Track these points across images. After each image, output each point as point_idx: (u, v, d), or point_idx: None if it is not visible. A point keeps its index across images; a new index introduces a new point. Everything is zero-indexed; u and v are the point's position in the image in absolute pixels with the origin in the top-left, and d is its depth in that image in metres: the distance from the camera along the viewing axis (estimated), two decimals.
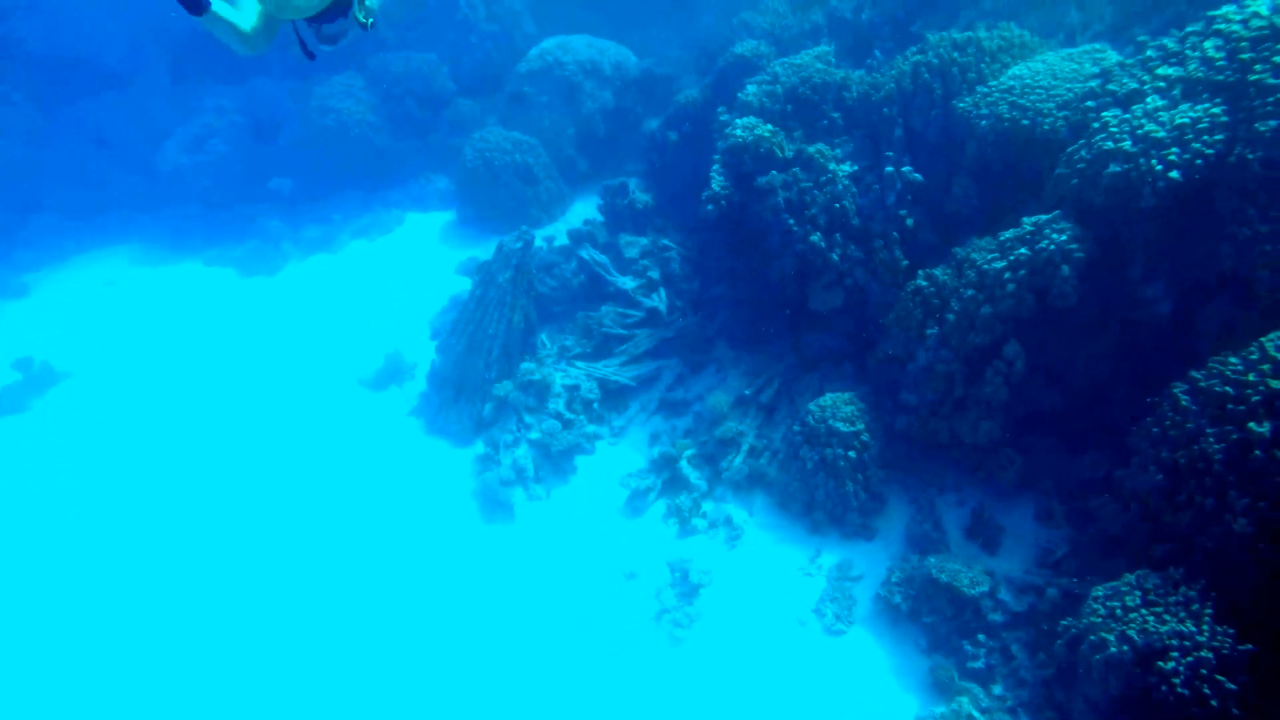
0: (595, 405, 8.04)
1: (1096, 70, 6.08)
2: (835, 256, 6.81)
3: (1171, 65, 5.40)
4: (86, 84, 14.31)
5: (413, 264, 11.92)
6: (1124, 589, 4.39)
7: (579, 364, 8.33)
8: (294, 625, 6.79)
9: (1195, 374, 4.70)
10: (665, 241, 8.88)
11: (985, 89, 6.58)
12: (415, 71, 13.14)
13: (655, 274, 8.75)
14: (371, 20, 3.97)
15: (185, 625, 6.91)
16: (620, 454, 7.91)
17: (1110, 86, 5.71)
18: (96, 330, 11.73)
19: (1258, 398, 4.13)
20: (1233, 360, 4.45)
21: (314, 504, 7.94)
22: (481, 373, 8.08)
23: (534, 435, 7.72)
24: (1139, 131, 5.15)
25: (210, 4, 3.52)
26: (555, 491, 7.66)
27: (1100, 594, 4.50)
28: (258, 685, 6.37)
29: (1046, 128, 6.08)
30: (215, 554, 7.56)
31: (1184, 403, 4.61)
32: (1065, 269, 5.37)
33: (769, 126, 7.20)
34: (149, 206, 13.82)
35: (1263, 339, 4.37)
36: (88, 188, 14.07)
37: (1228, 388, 4.33)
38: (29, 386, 10.33)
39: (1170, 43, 5.58)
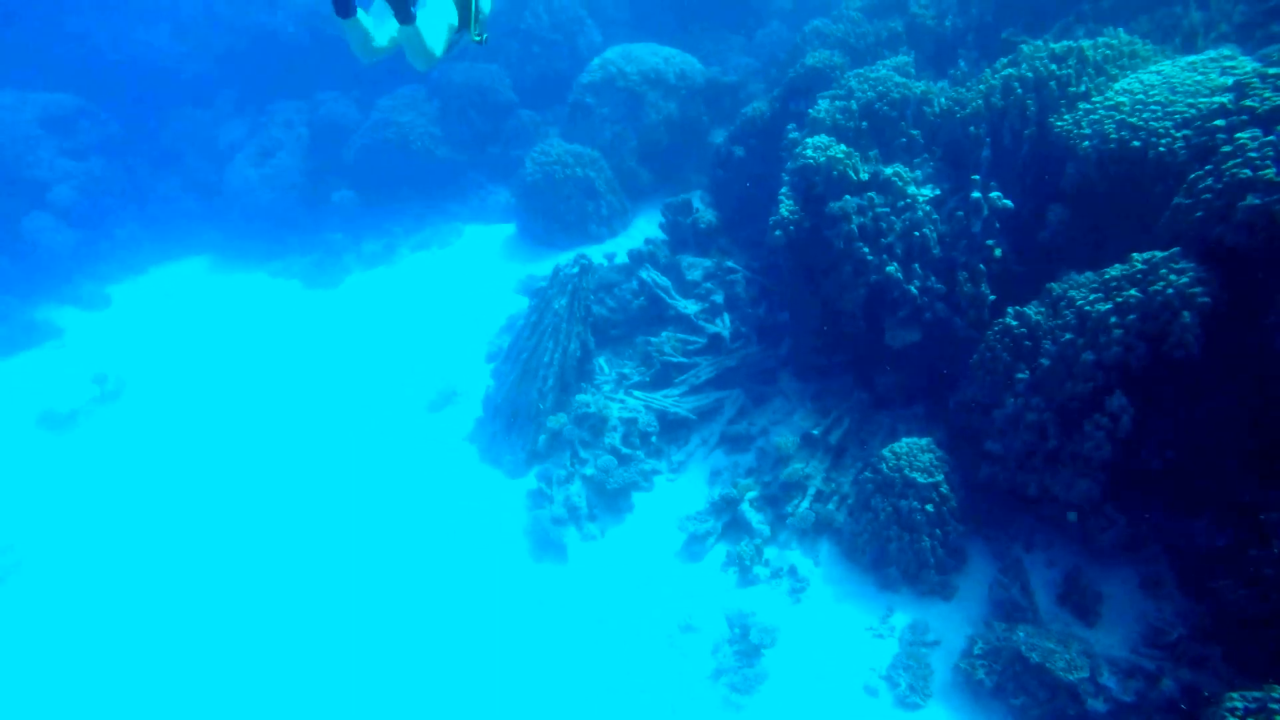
0: (653, 438, 7.64)
1: (1229, 82, 5.35)
2: (914, 289, 6.25)
3: None
4: (164, 99, 14.66)
5: (472, 279, 11.76)
6: (1273, 705, 3.74)
7: (637, 394, 7.95)
8: (337, 653, 6.64)
9: None
10: (729, 264, 8.43)
11: (1088, 105, 5.91)
12: (477, 83, 12.99)
13: (719, 298, 8.31)
14: (485, 35, 4.22)
15: (230, 647, 6.83)
16: (679, 491, 7.50)
17: (1247, 103, 4.99)
18: (170, 342, 11.96)
19: None
20: None
21: (367, 530, 7.80)
22: (535, 402, 7.78)
23: (589, 471, 7.38)
24: None
25: (356, 12, 3.76)
26: (610, 531, 7.30)
27: (1238, 705, 3.86)
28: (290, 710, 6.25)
29: (1163, 149, 5.39)
30: (270, 576, 7.49)
31: None
32: (1186, 315, 4.71)
33: (842, 147, 6.67)
34: (220, 218, 14.07)
35: None
36: (164, 200, 14.41)
37: None
38: (104, 400, 10.55)
39: None
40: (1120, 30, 6.39)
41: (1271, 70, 5.11)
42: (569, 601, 6.76)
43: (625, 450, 7.45)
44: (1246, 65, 5.60)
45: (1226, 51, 5.93)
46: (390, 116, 13.03)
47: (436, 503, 7.96)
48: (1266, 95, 4.92)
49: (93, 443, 9.97)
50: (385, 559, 7.44)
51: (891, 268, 6.25)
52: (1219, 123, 5.10)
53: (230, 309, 12.63)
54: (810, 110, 7.41)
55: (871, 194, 6.47)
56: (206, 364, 11.24)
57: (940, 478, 5.91)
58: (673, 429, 7.79)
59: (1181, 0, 7.44)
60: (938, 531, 5.94)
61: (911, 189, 6.51)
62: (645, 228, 11.25)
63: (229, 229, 13.97)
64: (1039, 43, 6.75)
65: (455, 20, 4.11)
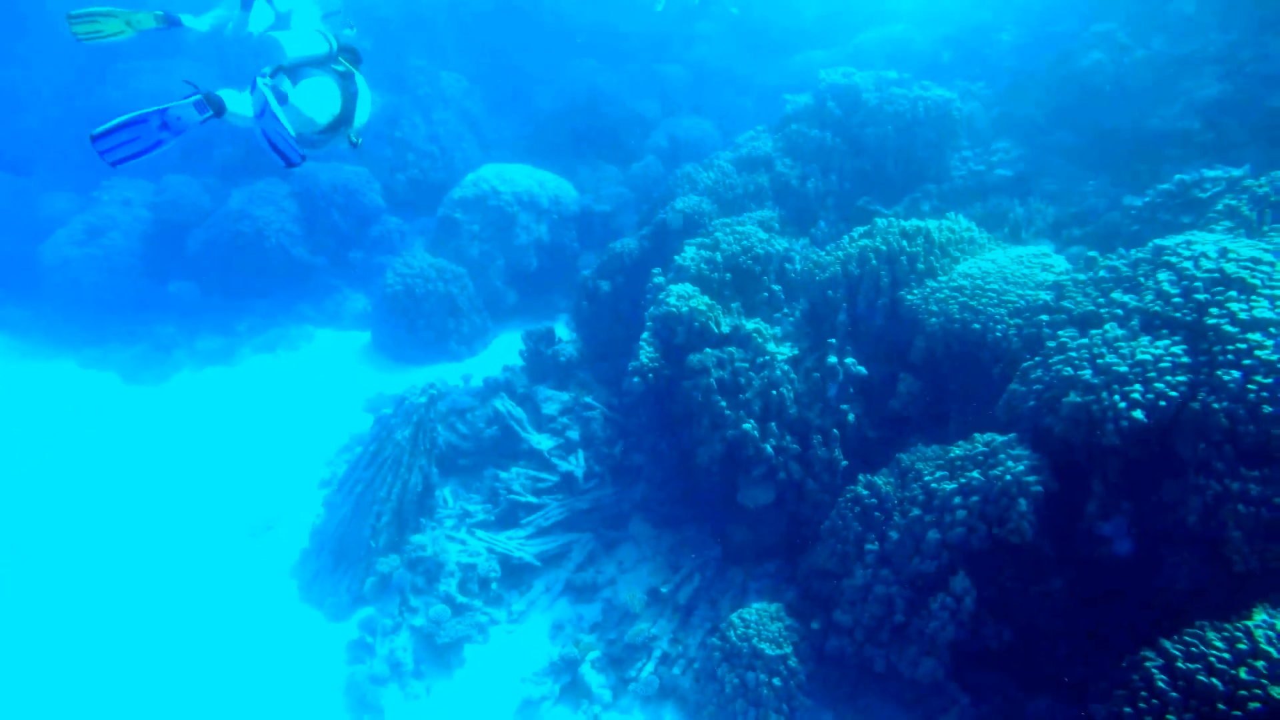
0: (494, 585, 7.05)
1: (1049, 280, 5.82)
2: (769, 448, 6.20)
3: (1126, 292, 5.12)
4: None
5: (318, 389, 10.91)
6: None
7: (480, 533, 7.38)
8: None
9: (1169, 646, 4.11)
10: (588, 399, 8.19)
11: (935, 284, 6.25)
12: (344, 184, 12.54)
13: (574, 434, 8.01)
14: (360, 140, 4.25)
15: None
16: (518, 644, 6.89)
17: (1065, 303, 5.41)
18: None
19: (1258, 705, 3.54)
20: (1216, 642, 3.89)
21: (158, 671, 6.66)
22: (367, 539, 7.05)
23: (418, 622, 6.66)
24: (1099, 361, 4.78)
25: (227, 109, 3.57)
26: (437, 689, 6.54)
27: None
28: None
29: (998, 334, 5.72)
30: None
31: (1160, 683, 3.99)
32: (1023, 503, 4.84)
33: (705, 299, 6.72)
34: (26, 296, 12.50)
35: (1249, 624, 3.83)
36: None
37: (1214, 680, 3.74)
38: None
39: (1122, 266, 5.33)
40: (961, 216, 6.92)
41: (1080, 276, 5.60)
42: None
43: (461, 599, 6.81)
44: (1060, 264, 6.16)
45: (1045, 249, 6.53)
46: (246, 208, 12.24)
47: (243, 645, 6.93)
48: (1079, 299, 5.36)
49: None
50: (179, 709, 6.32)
51: (748, 425, 6.19)
52: (1044, 317, 5.48)
53: (21, 398, 11.05)
54: (676, 257, 7.49)
55: (732, 349, 6.49)
56: None
57: (789, 649, 5.69)
58: (516, 574, 7.24)
59: (1006, 193, 8.29)
60: (784, 707, 5.65)
61: (771, 346, 6.59)
62: (507, 349, 10.93)
63: (36, 309, 12.42)
64: (891, 217, 7.20)
65: (338, 109, 4.07)
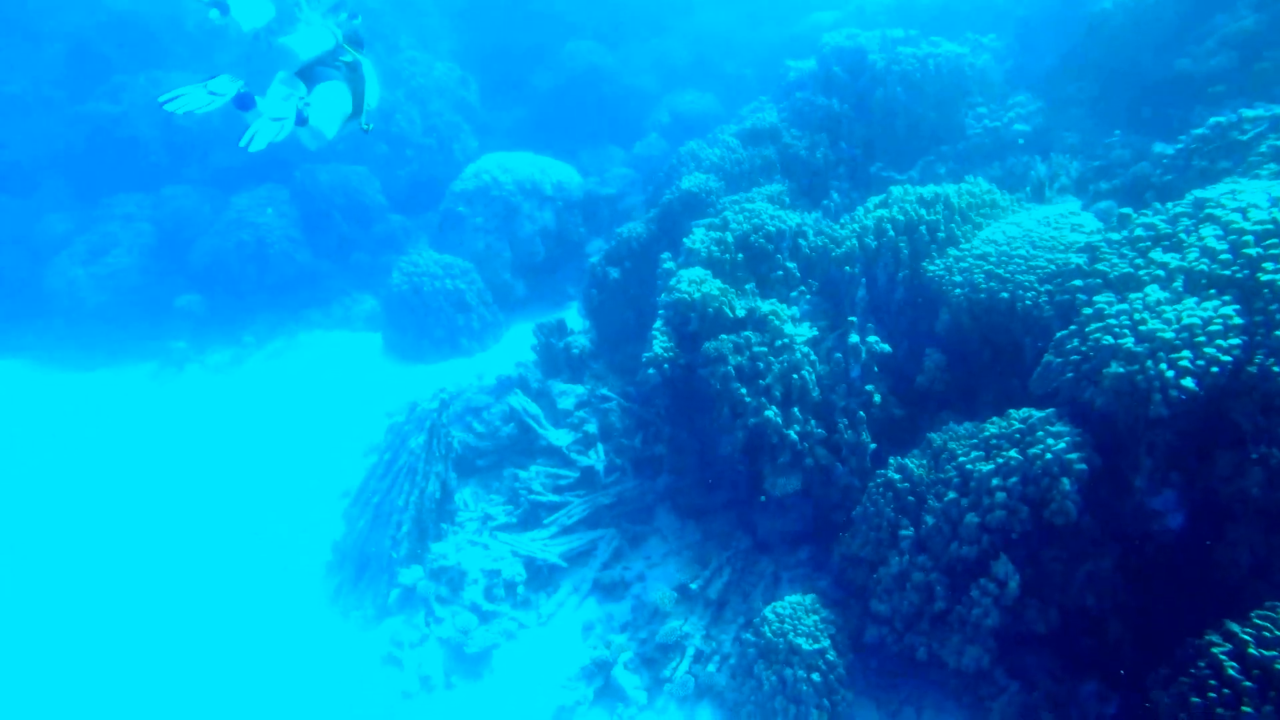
0: (520, 589, 6.89)
1: (1080, 241, 5.48)
2: (793, 434, 5.95)
3: (1167, 251, 4.79)
4: None
5: (331, 396, 10.77)
6: None
7: (503, 536, 7.22)
8: None
9: (1238, 630, 3.86)
10: (604, 391, 7.97)
11: (958, 252, 5.94)
12: (344, 184, 12.32)
13: (592, 428, 7.80)
14: (371, 125, 4.37)
15: None
16: (548, 648, 6.73)
17: (1099, 266, 5.08)
18: None
19: None
20: None
21: (186, 684, 6.62)
22: (388, 550, 6.91)
23: (445, 632, 6.52)
24: (1142, 328, 4.47)
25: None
26: (469, 700, 6.41)
27: None
28: None
29: (1029, 303, 5.41)
30: None
31: (1231, 671, 3.74)
32: (1066, 482, 4.57)
33: (718, 283, 6.45)
34: (36, 320, 12.43)
35: None
36: None
37: None
38: None
39: (1161, 223, 4.99)
40: (980, 178, 6.57)
41: (1114, 235, 5.26)
42: None
43: (488, 606, 6.66)
44: (1091, 223, 5.82)
45: (1073, 207, 6.18)
46: (246, 216, 12.08)
47: (270, 661, 6.83)
48: (1115, 261, 5.03)
49: None
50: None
51: (770, 411, 5.94)
52: (1077, 282, 5.16)
53: (39, 421, 11.02)
54: (685, 240, 7.21)
55: (749, 333, 6.23)
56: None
57: (827, 643, 5.48)
58: (542, 575, 7.07)
59: (1026, 150, 7.90)
60: (825, 702, 5.46)
61: (789, 327, 6.31)
62: (519, 341, 10.72)
63: (46, 331, 12.35)
64: (906, 183, 6.87)
65: (349, 108, 4.16)
